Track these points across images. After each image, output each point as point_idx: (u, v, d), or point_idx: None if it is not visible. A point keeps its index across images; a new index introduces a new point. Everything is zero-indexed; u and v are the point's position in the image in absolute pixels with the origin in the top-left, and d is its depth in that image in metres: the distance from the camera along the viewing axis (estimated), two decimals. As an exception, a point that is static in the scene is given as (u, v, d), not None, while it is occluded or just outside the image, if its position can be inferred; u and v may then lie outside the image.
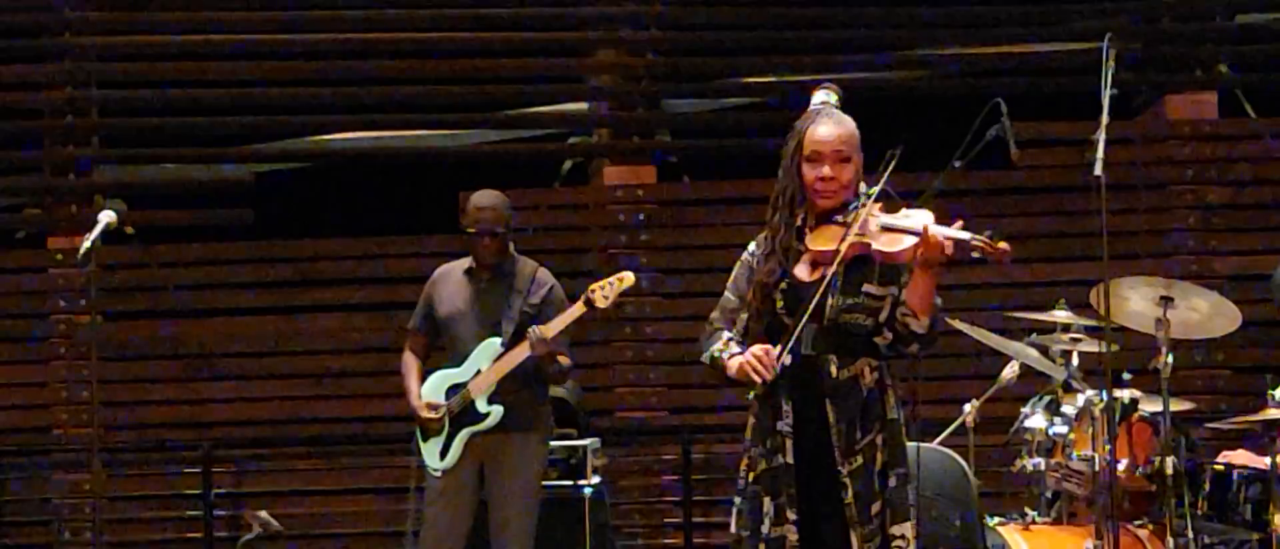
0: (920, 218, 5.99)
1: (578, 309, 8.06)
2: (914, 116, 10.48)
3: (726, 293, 6.22)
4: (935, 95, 10.70)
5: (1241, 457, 8.00)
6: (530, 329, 8.02)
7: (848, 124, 6.17)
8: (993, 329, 8.57)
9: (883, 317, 6.02)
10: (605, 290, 8.05)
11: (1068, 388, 8.11)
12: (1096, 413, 7.72)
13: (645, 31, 10.81)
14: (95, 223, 8.20)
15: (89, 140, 10.68)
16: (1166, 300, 7.78)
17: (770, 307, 6.07)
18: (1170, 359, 7.68)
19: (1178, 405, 7.99)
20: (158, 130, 10.69)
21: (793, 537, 6.03)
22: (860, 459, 6.01)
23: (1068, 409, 7.99)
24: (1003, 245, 5.96)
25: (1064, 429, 7.95)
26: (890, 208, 6.09)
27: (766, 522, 6.06)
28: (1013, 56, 10.82)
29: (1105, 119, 7.02)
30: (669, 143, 10.82)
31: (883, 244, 5.97)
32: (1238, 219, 10.60)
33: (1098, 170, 6.95)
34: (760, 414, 6.11)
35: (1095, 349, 8.05)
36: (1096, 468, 7.67)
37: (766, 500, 6.06)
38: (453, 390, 8.11)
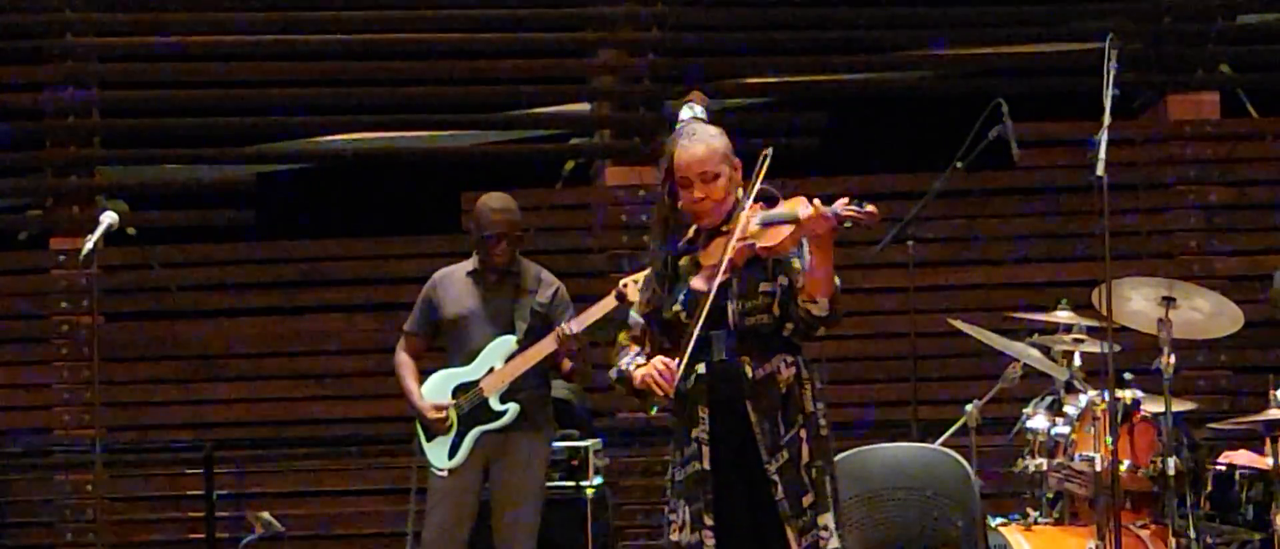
0: (797, 205, 6.02)
1: (609, 302, 8.00)
2: (914, 116, 10.50)
3: (632, 313, 6.30)
4: (935, 95, 10.70)
5: (1243, 457, 8.01)
6: (560, 326, 7.98)
7: (713, 139, 6.15)
8: (994, 329, 8.57)
9: (777, 311, 6.06)
10: (640, 283, 7.92)
11: (1070, 388, 8.12)
12: (1098, 413, 7.73)
13: (647, 32, 10.82)
14: (97, 224, 8.21)
15: (91, 141, 10.68)
16: (1168, 300, 7.79)
17: (667, 327, 6.12)
18: (1172, 359, 7.68)
19: (1180, 406, 8.00)
20: (159, 131, 10.69)
21: (709, 542, 6.06)
22: (786, 454, 6.06)
23: (1070, 410, 7.99)
24: (870, 208, 5.97)
25: (1066, 430, 7.95)
26: (771, 204, 6.12)
27: (684, 529, 6.10)
28: (1014, 57, 10.82)
29: (1107, 119, 7.03)
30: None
31: (765, 240, 6.03)
32: (1240, 219, 10.59)
33: (1100, 170, 6.96)
34: (677, 423, 6.16)
35: (1097, 349, 8.06)
36: (1098, 468, 7.68)
37: (683, 507, 6.10)
38: (459, 389, 8.10)
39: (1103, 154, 6.97)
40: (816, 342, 6.17)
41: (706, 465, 6.08)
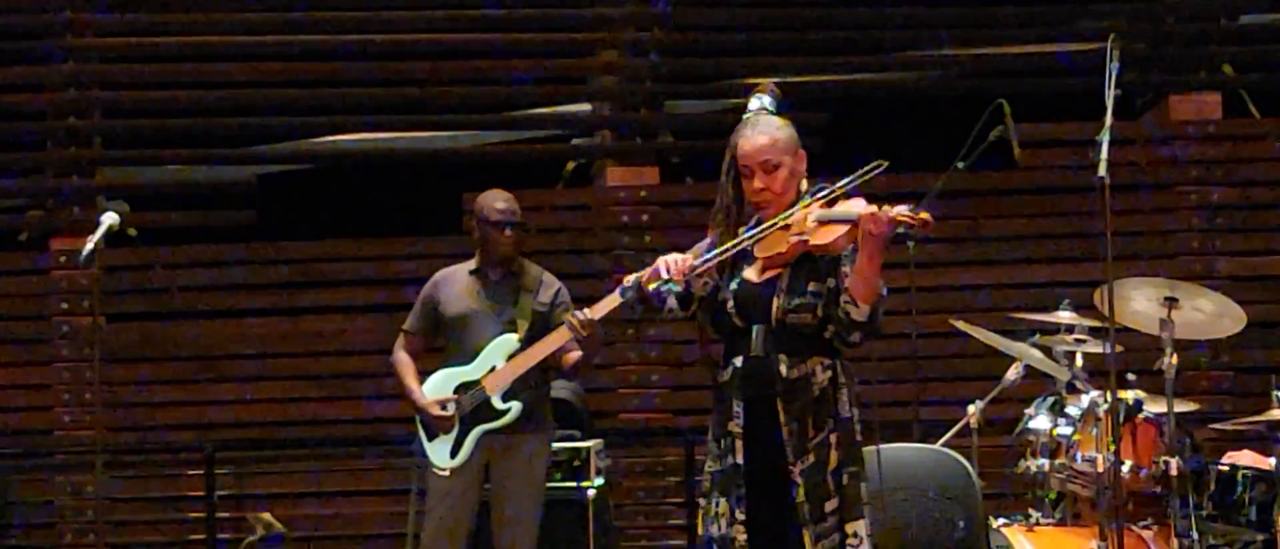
0: (854, 205, 6.00)
1: (614, 299, 7.97)
2: (914, 117, 10.49)
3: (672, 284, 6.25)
4: (936, 95, 10.70)
5: (1245, 457, 8.00)
6: (570, 314, 7.95)
7: (775, 130, 6.20)
8: (996, 330, 8.56)
9: (820, 311, 6.04)
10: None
11: (1072, 389, 8.11)
12: (1101, 414, 7.72)
13: (648, 33, 10.81)
14: (98, 224, 8.19)
15: (92, 142, 10.67)
16: (1171, 301, 7.77)
17: (717, 313, 6.11)
18: (1174, 360, 7.67)
19: (1182, 406, 7.99)
20: (160, 132, 10.69)
21: (741, 537, 6.07)
22: (813, 458, 6.05)
23: (1072, 410, 7.98)
24: (924, 216, 5.97)
25: (1068, 430, 7.94)
26: (830, 203, 6.11)
27: (720, 521, 6.10)
28: (1016, 57, 10.81)
29: (1109, 119, 7.02)
30: (671, 143, 10.82)
31: (818, 237, 6.03)
32: (1242, 219, 10.59)
33: (1101, 171, 6.95)
34: (716, 415, 6.16)
35: (1099, 350, 8.05)
36: (1101, 469, 7.67)
37: (720, 500, 6.10)
38: (460, 388, 8.08)
39: (1104, 154, 6.95)
40: (855, 353, 6.12)
41: (739, 459, 6.07)
